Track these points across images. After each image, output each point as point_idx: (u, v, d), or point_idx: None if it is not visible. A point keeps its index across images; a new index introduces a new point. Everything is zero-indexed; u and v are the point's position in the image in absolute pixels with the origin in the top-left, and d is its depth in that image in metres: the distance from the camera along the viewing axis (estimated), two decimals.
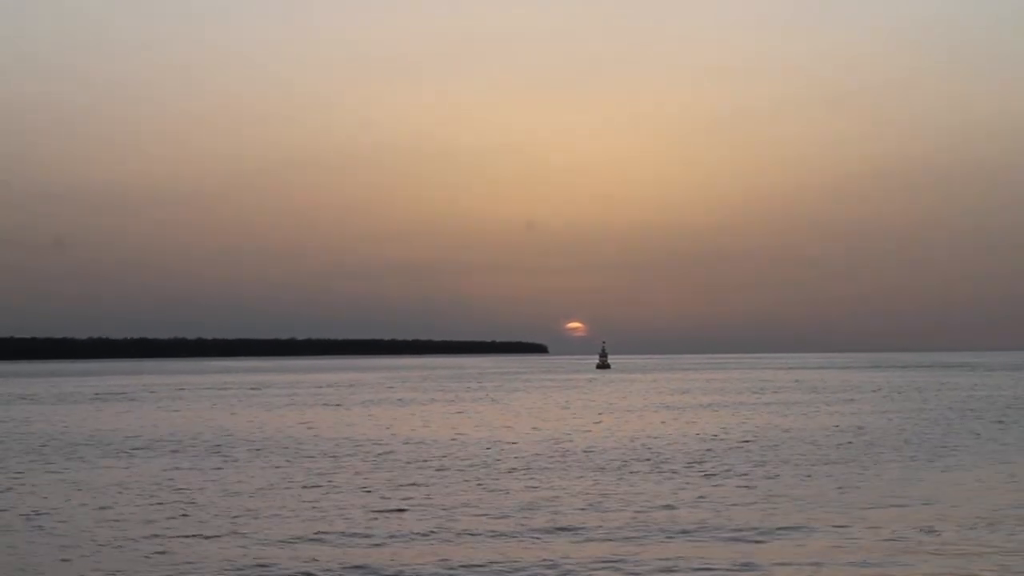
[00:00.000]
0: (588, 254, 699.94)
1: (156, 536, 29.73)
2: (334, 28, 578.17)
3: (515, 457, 49.66)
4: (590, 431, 65.13)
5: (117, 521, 32.39)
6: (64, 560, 26.92)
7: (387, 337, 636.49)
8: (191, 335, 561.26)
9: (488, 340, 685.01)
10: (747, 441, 56.85)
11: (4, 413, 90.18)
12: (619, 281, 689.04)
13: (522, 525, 30.86)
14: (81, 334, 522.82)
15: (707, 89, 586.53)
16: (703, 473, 42.62)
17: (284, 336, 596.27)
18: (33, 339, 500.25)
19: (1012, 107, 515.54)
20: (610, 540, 28.48)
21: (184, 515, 33.28)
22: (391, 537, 29.31)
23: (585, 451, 52.21)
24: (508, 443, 57.14)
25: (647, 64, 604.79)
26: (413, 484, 39.96)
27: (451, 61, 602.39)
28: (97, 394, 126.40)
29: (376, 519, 32.23)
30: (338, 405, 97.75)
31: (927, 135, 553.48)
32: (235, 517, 32.77)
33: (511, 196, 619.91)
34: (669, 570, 25.00)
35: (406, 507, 34.41)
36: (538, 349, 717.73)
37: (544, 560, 26.11)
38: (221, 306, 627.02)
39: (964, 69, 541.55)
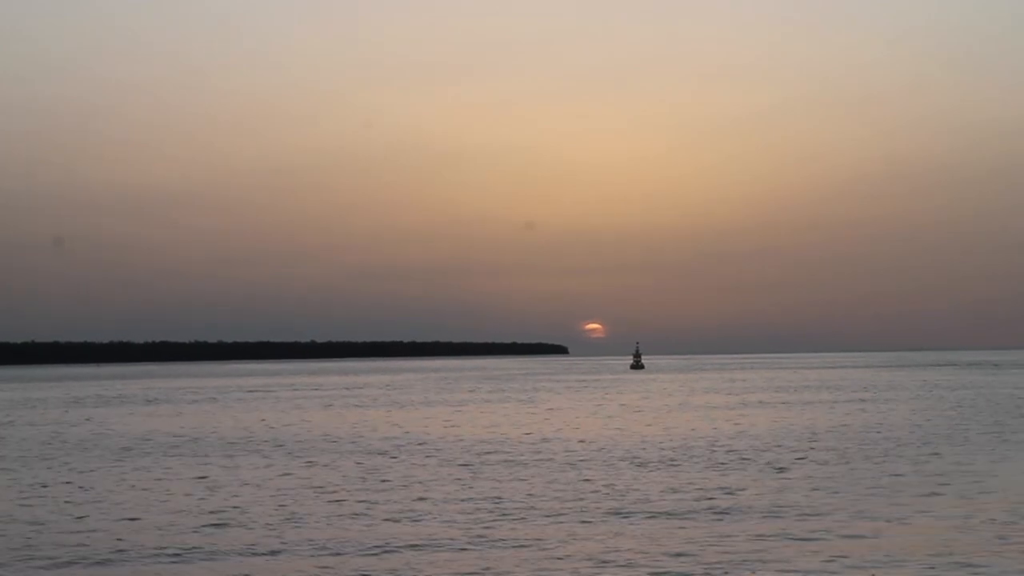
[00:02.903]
0: (604, 255, 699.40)
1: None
2: (347, 31, 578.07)
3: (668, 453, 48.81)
4: (715, 428, 65.21)
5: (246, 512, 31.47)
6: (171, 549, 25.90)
7: (407, 339, 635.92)
8: (211, 338, 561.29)
9: (508, 342, 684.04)
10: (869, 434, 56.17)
11: (56, 416, 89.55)
12: (636, 282, 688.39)
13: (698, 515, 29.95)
14: (102, 338, 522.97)
15: (722, 91, 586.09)
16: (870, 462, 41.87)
17: (304, 339, 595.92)
18: (55, 343, 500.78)
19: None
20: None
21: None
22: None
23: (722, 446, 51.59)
24: (643, 441, 56.29)
25: (665, 66, 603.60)
26: (587, 480, 39.11)
27: (467, 64, 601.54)
28: (144, 398, 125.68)
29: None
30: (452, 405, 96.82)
31: (942, 135, 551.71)
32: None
33: (527, 198, 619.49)
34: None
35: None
36: (558, 350, 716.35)
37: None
38: (240, 309, 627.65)
39: (977, 70, 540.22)
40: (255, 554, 26.78)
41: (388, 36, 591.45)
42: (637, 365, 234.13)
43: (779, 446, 52.16)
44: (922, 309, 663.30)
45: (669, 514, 31.67)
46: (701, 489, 36.91)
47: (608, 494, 36.11)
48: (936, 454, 47.79)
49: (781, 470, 42.20)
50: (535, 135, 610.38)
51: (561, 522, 30.55)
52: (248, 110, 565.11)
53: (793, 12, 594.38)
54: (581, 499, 34.96)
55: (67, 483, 42.00)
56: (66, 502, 36.48)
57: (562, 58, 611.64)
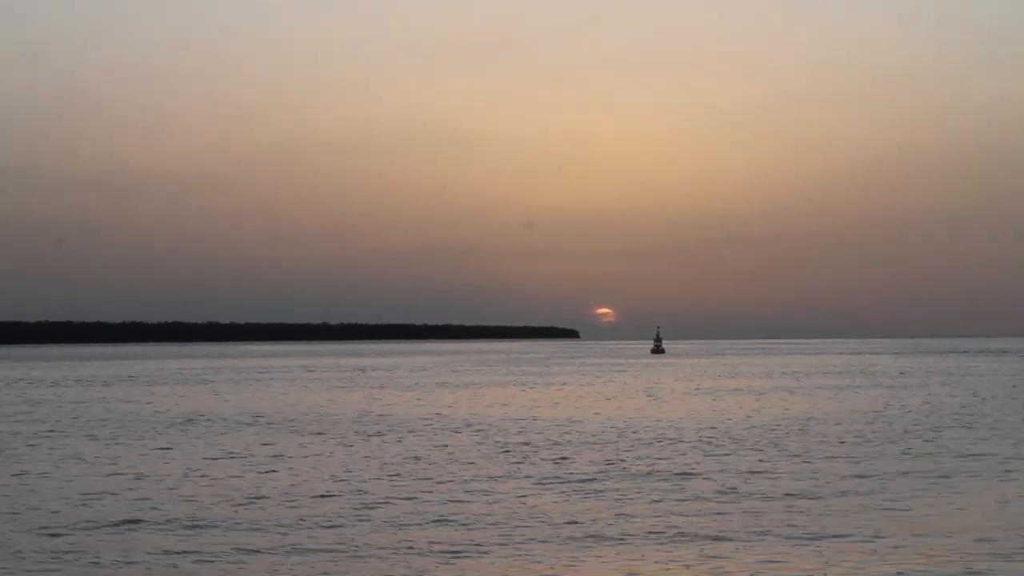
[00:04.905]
0: (616, 240, 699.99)
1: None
2: (358, 15, 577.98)
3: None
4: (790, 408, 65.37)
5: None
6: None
7: (419, 322, 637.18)
8: (224, 319, 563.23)
9: (520, 325, 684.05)
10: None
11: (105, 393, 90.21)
12: (646, 267, 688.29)
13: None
14: (115, 318, 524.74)
15: (720, 83, 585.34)
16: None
17: (316, 321, 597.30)
18: (68, 323, 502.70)
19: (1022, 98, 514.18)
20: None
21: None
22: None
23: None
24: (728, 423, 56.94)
25: (660, 59, 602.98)
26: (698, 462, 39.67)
27: (482, 50, 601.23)
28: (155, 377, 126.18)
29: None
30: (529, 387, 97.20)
31: (949, 122, 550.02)
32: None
33: (539, 183, 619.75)
34: None
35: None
36: (570, 334, 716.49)
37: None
38: (253, 291, 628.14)
39: (975, 61, 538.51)
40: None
41: (392, 24, 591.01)
42: (658, 349, 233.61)
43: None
44: (933, 296, 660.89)
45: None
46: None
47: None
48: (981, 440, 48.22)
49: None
50: (545, 121, 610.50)
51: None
52: (262, 94, 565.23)
53: (791, 4, 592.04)
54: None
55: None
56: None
57: (568, 45, 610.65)
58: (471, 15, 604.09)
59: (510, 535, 26.58)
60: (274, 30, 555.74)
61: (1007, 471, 37.82)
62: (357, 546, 25.53)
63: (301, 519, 28.96)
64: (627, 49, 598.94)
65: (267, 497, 32.81)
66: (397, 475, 37.70)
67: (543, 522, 28.29)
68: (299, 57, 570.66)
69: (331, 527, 27.92)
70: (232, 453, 45.32)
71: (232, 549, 25.36)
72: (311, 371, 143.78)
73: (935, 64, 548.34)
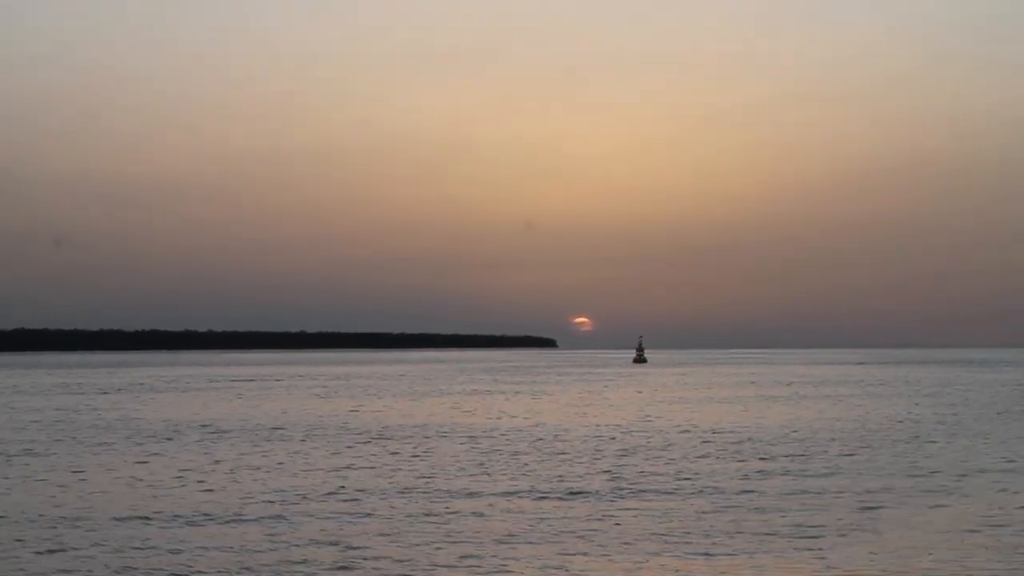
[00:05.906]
0: (591, 249, 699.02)
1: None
2: (357, 16, 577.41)
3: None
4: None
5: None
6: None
7: (395, 331, 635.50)
8: (201, 327, 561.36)
9: (498, 334, 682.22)
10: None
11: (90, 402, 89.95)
12: (623, 276, 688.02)
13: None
14: (92, 326, 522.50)
15: (716, 84, 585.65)
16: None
17: (294, 329, 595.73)
18: (44, 330, 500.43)
19: (1019, 99, 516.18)
20: None
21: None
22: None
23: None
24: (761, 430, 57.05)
25: (657, 60, 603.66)
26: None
27: (467, 57, 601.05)
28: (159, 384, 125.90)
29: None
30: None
31: (934, 129, 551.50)
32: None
33: (518, 191, 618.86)
34: None
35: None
36: (547, 343, 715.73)
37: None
38: (230, 299, 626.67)
39: (973, 62, 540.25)
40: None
41: (388, 28, 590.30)
42: (640, 359, 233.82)
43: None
44: (932, 298, 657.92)
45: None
46: None
47: None
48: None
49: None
50: (529, 128, 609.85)
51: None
52: (245, 101, 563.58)
53: (788, 5, 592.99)
54: None
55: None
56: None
57: (557, 51, 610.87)
58: (470, 16, 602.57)
59: (507, 539, 26.73)
60: (263, 39, 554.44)
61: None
62: (355, 546, 25.68)
63: (299, 522, 29.07)
64: (627, 49, 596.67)
65: (264, 501, 32.88)
66: (390, 481, 37.85)
67: (541, 527, 28.45)
68: (287, 66, 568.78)
69: (327, 528, 28.03)
70: (219, 459, 45.37)
71: (231, 550, 25.45)
72: (278, 380, 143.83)
73: (935, 64, 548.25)
